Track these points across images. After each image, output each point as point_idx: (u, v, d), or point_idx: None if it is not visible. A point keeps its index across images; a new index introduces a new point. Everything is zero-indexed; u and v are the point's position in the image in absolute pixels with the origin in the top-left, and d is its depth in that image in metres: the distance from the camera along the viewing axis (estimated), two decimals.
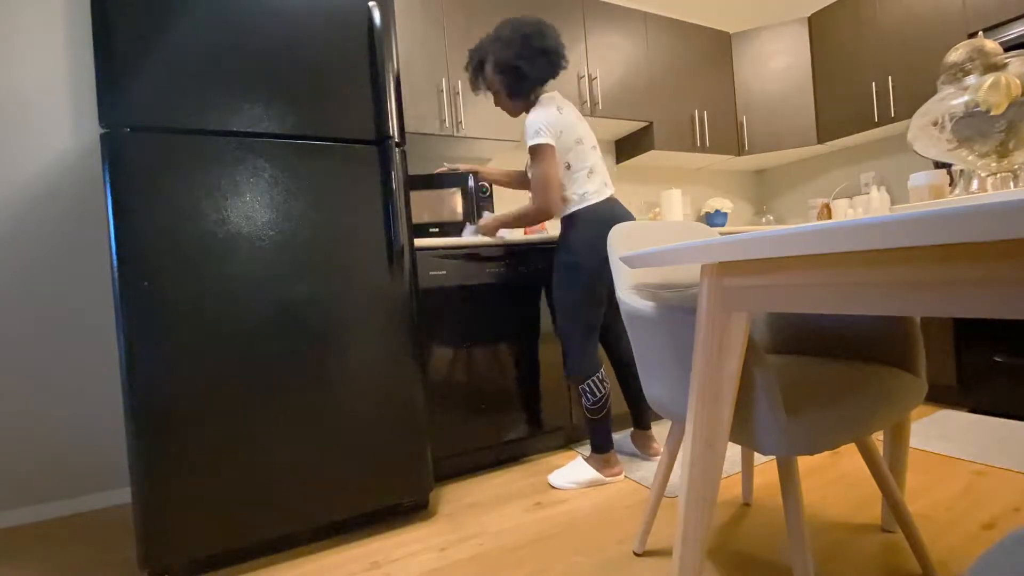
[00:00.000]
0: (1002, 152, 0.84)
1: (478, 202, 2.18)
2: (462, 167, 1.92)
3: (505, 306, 1.83)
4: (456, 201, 2.14)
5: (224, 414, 1.22)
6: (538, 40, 1.52)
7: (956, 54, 0.88)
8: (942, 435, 1.78)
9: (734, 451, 1.72)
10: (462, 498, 1.59)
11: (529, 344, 1.86)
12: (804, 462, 1.65)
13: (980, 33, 0.98)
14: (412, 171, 2.35)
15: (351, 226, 1.38)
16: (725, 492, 1.48)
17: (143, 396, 1.15)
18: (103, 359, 1.80)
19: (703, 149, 2.81)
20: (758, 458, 1.67)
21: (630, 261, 0.89)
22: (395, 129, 1.41)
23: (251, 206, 1.27)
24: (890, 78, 2.45)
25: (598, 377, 1.60)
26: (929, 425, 1.90)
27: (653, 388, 1.07)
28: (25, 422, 1.69)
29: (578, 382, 1.62)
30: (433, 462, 1.64)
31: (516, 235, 2.17)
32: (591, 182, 1.60)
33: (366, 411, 1.37)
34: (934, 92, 0.97)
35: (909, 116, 2.41)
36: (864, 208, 2.72)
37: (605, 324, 1.76)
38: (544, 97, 1.61)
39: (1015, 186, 0.86)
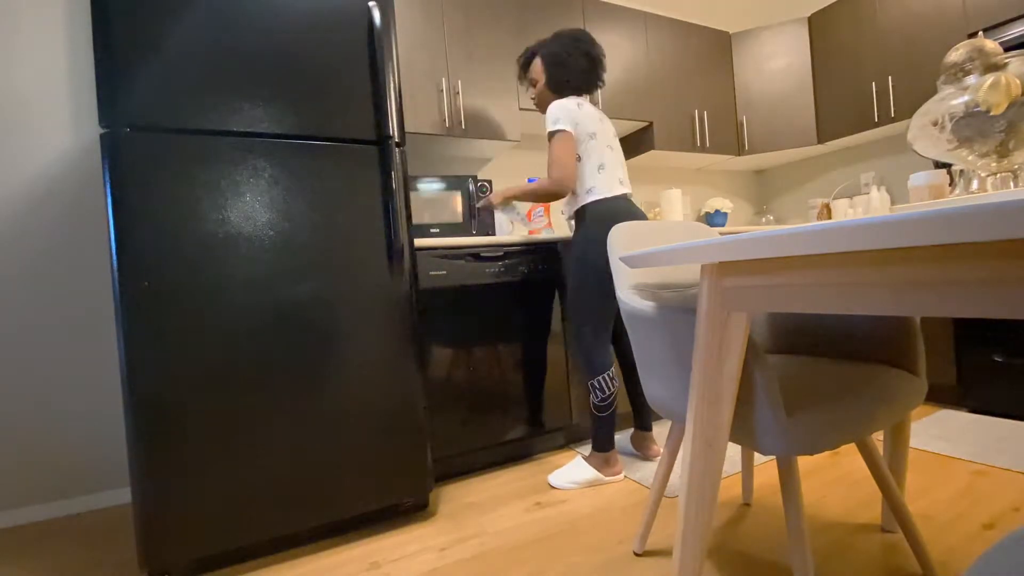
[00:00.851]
0: (1002, 152, 0.84)
1: (478, 202, 2.18)
2: (494, 200, 1.81)
3: (505, 306, 1.83)
4: (456, 202, 2.15)
5: (224, 414, 1.22)
6: (586, 44, 1.68)
7: (956, 54, 0.88)
8: (942, 435, 1.78)
9: (734, 451, 1.72)
10: (462, 498, 1.59)
11: (529, 344, 1.86)
12: (804, 462, 1.65)
13: (980, 33, 0.98)
14: (412, 171, 2.35)
15: (351, 226, 1.38)
16: (725, 492, 1.48)
17: (143, 396, 1.15)
18: (103, 359, 1.80)
19: (703, 149, 2.81)
20: (758, 458, 1.67)
21: (630, 261, 0.89)
22: (395, 129, 1.41)
23: (251, 206, 1.27)
24: (890, 78, 2.44)
25: (608, 375, 1.61)
26: (929, 425, 1.90)
27: (653, 388, 1.07)
28: (25, 422, 1.69)
29: (588, 378, 1.63)
30: (433, 462, 1.63)
31: (516, 235, 2.17)
32: (600, 178, 1.63)
33: (366, 411, 1.37)
34: (934, 92, 0.97)
35: (909, 116, 2.41)
36: (864, 208, 2.72)
37: (617, 322, 1.78)
38: (569, 95, 1.70)
39: (1015, 186, 0.86)
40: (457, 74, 2.11)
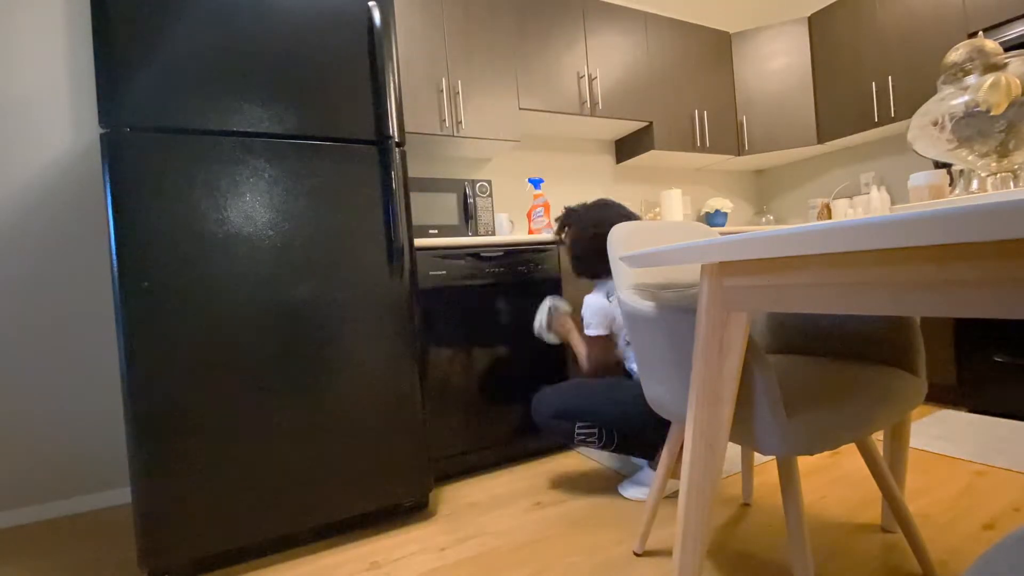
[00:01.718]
0: (1002, 152, 0.84)
1: (477, 203, 2.18)
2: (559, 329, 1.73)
3: (505, 306, 1.83)
4: (455, 202, 2.15)
5: (224, 414, 1.22)
6: (601, 241, 1.58)
7: (956, 54, 0.88)
8: (942, 435, 1.78)
9: (734, 451, 1.72)
10: (462, 498, 1.59)
11: (529, 344, 1.86)
12: (804, 462, 1.65)
13: (980, 33, 0.98)
14: (412, 171, 2.35)
15: (351, 226, 1.38)
16: (725, 492, 1.48)
17: (143, 396, 1.15)
18: (103, 359, 1.80)
19: (703, 149, 2.81)
20: (758, 458, 1.67)
21: (630, 261, 0.89)
22: (395, 129, 1.41)
23: (251, 206, 1.27)
24: (890, 78, 2.44)
25: (577, 427, 1.48)
26: (929, 425, 1.90)
27: (653, 388, 1.07)
28: (25, 422, 1.69)
29: (571, 445, 1.58)
30: (433, 462, 1.63)
31: (516, 235, 2.17)
32: None
33: (366, 411, 1.37)
34: (934, 92, 0.97)
35: (909, 116, 2.41)
36: (864, 208, 2.72)
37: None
38: (599, 283, 1.66)
39: (1015, 186, 0.86)
40: (457, 74, 2.11)
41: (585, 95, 2.43)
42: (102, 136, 1.15)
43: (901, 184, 2.73)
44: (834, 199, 2.93)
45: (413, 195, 2.03)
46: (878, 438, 1.63)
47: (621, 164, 2.92)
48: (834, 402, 0.84)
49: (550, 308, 1.73)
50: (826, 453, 1.71)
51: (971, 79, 0.85)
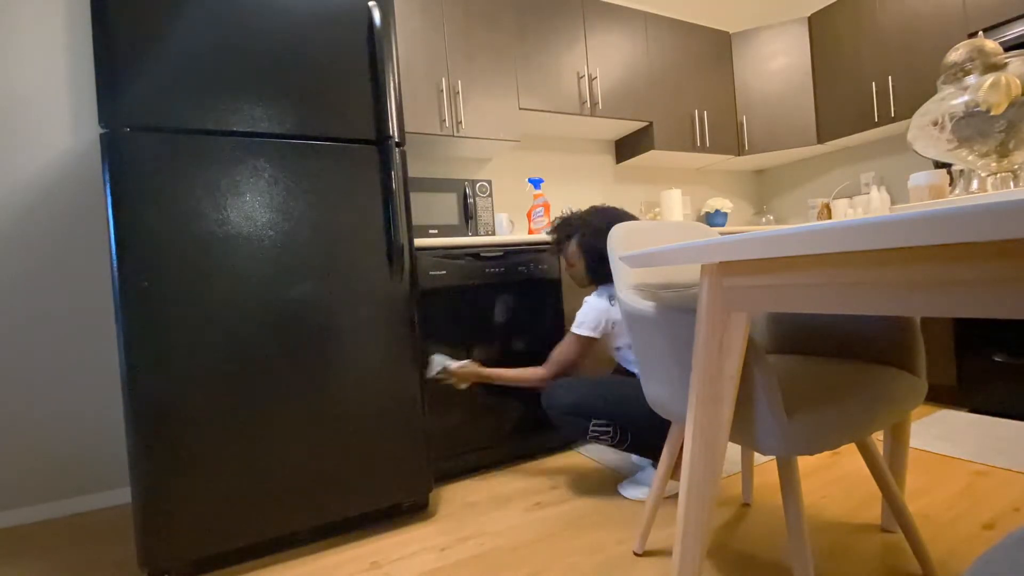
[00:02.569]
0: (1002, 152, 0.84)
1: (477, 203, 2.18)
2: (459, 376, 1.64)
3: (505, 306, 1.83)
4: (455, 203, 2.15)
5: (224, 414, 1.22)
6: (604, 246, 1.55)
7: (956, 54, 0.88)
8: (942, 435, 1.78)
9: (734, 451, 1.72)
10: (462, 498, 1.59)
11: (529, 344, 1.86)
12: (804, 462, 1.65)
13: (980, 33, 0.98)
14: (412, 171, 2.35)
15: (351, 226, 1.38)
16: (725, 492, 1.48)
17: (143, 396, 1.15)
18: (103, 359, 1.80)
19: (703, 149, 2.81)
20: (758, 458, 1.67)
21: (630, 261, 0.89)
22: (395, 129, 1.41)
23: (251, 206, 1.27)
24: (890, 78, 2.44)
25: (593, 424, 1.47)
26: (929, 425, 1.90)
27: (653, 388, 1.07)
28: (25, 422, 1.69)
29: (586, 438, 1.50)
30: (433, 462, 1.63)
31: (516, 235, 2.18)
32: None
33: (366, 411, 1.37)
34: (934, 92, 0.97)
35: (909, 116, 2.41)
36: (864, 208, 2.72)
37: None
38: (602, 287, 1.64)
39: (1015, 186, 0.86)
40: (457, 74, 2.11)
41: (585, 95, 2.43)
42: (102, 136, 1.15)
43: (901, 184, 2.73)
44: (834, 199, 2.93)
45: (413, 195, 2.03)
46: (878, 438, 1.63)
47: (621, 164, 2.92)
48: (834, 402, 0.84)
49: (439, 371, 1.61)
50: (826, 453, 1.71)
51: (971, 79, 0.85)
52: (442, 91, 2.07)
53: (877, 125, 2.53)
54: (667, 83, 2.69)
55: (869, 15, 2.52)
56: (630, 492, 1.53)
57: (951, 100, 0.86)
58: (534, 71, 2.30)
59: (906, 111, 2.41)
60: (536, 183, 2.36)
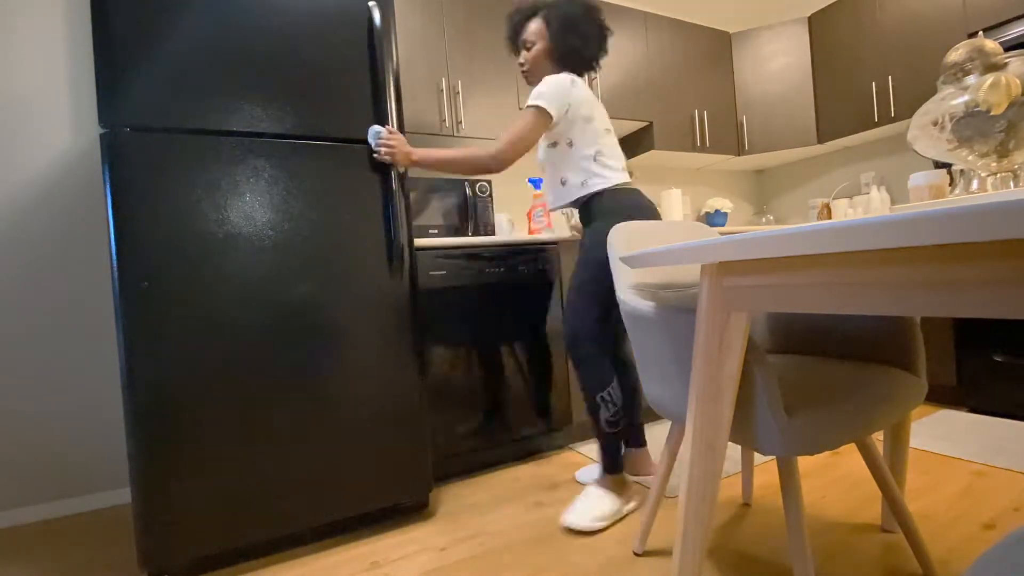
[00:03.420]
0: (1002, 152, 0.84)
1: (477, 203, 2.18)
2: (398, 159, 1.40)
3: (505, 306, 1.83)
4: (455, 203, 2.15)
5: (224, 414, 1.22)
6: (600, 14, 1.48)
7: (956, 54, 0.88)
8: (942, 435, 1.78)
9: (734, 451, 1.72)
10: (462, 498, 1.59)
11: (529, 344, 1.86)
12: (804, 462, 1.65)
13: (980, 33, 0.98)
14: (412, 171, 2.35)
15: (351, 226, 1.38)
16: (725, 492, 1.48)
17: (143, 396, 1.15)
18: (103, 359, 1.80)
19: (703, 149, 2.81)
20: (758, 458, 1.67)
21: (630, 261, 0.89)
22: (395, 129, 1.40)
23: (251, 206, 1.27)
24: (890, 78, 2.44)
25: (614, 385, 1.41)
26: (929, 425, 1.90)
27: (653, 388, 1.07)
28: (25, 422, 1.69)
29: (595, 391, 1.41)
30: (433, 462, 1.64)
31: (516, 235, 2.17)
32: (598, 166, 1.43)
33: (366, 411, 1.37)
34: (934, 92, 0.96)
35: (909, 116, 2.41)
36: (864, 208, 2.72)
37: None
38: (569, 70, 1.50)
39: (1015, 186, 0.86)
40: (457, 74, 2.11)
41: None
42: (102, 136, 1.15)
43: (901, 184, 2.74)
44: (834, 199, 2.93)
45: (413, 195, 2.03)
46: (878, 438, 1.63)
47: None
48: (834, 402, 0.84)
49: (374, 134, 1.39)
50: (826, 453, 1.71)
51: (971, 79, 0.85)
52: (442, 91, 2.07)
53: (877, 125, 2.53)
54: (667, 83, 2.69)
55: (869, 15, 2.52)
56: (582, 475, 1.65)
57: (951, 100, 0.86)
58: None
59: (906, 111, 2.41)
60: (536, 183, 2.36)
